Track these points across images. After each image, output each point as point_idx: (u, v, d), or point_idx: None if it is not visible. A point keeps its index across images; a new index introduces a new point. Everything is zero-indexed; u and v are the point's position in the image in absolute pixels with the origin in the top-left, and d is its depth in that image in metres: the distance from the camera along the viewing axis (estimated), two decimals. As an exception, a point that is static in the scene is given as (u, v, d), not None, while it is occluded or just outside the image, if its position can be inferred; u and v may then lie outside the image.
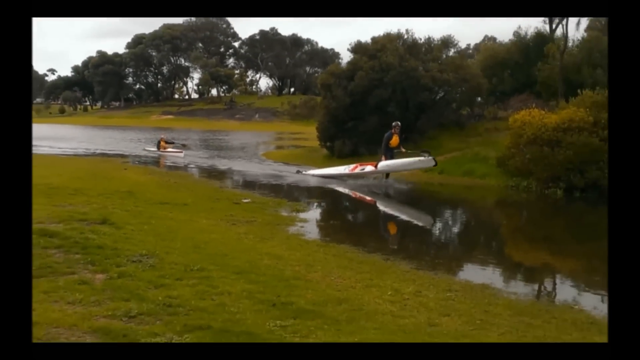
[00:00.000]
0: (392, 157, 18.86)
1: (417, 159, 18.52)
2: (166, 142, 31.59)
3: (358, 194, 17.56)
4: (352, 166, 20.33)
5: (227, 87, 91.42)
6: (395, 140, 18.99)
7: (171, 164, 25.04)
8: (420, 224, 13.53)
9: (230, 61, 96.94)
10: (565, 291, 7.55)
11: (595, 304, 6.59)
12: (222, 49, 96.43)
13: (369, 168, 19.51)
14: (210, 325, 4.41)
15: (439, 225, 13.41)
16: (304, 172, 21.30)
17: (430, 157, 17.85)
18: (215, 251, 7.49)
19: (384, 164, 18.83)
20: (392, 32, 28.31)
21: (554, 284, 8.29)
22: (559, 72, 25.66)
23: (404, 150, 19.22)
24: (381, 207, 16.39)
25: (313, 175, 20.85)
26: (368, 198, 17.29)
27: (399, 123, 19.52)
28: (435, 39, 28.86)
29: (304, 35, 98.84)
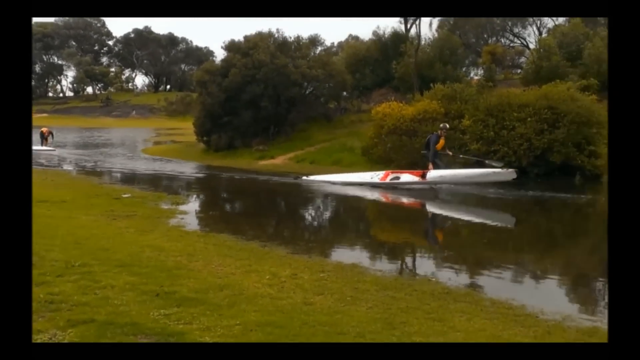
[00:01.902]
0: (440, 162, 15.81)
1: (490, 170, 14.97)
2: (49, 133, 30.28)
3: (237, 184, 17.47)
4: (380, 174, 16.50)
5: (102, 85, 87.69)
6: (441, 143, 15.93)
7: (47, 163, 23.75)
8: (296, 211, 13.70)
9: (105, 59, 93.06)
10: (424, 266, 7.93)
11: (449, 276, 6.94)
12: (96, 47, 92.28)
13: (409, 177, 15.91)
14: (93, 319, 4.28)
15: (312, 212, 13.63)
16: (305, 178, 17.73)
17: (510, 170, 14.65)
18: (97, 246, 7.24)
19: (436, 174, 15.39)
20: (263, 31, 28.40)
21: (414, 260, 8.66)
22: (414, 68, 26.71)
23: (450, 153, 16.42)
24: (263, 196, 16.39)
25: (320, 182, 17.21)
26: (250, 190, 17.26)
27: (447, 125, 16.55)
28: (304, 37, 29.24)
29: (179, 33, 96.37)
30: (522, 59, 35.07)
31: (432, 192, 15.45)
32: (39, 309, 4.47)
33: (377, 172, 16.70)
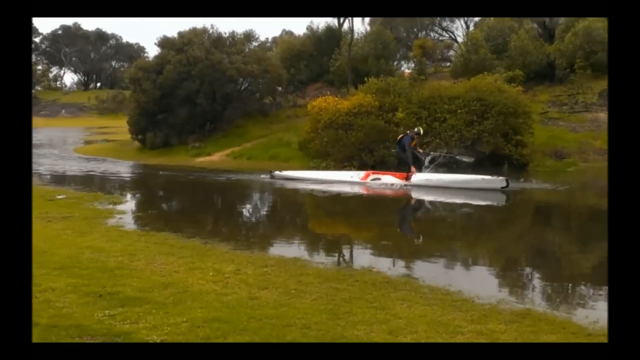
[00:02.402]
0: (417, 160, 15.29)
1: (479, 177, 14.43)
2: None
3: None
4: (361, 174, 16.14)
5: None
6: (412, 144, 15.36)
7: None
8: (236, 208, 13.65)
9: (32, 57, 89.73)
10: (364, 257, 8.05)
11: (389, 266, 7.10)
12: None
13: (391, 180, 15.35)
14: (37, 323, 4.16)
15: (249, 208, 13.60)
16: (275, 173, 17.02)
17: (500, 178, 14.03)
18: (34, 249, 7.02)
19: (421, 177, 14.90)
20: (197, 27, 28.05)
21: (354, 251, 8.76)
22: (348, 63, 26.94)
23: (421, 150, 15.95)
24: (199, 193, 16.21)
25: (291, 179, 16.68)
26: (184, 185, 17.05)
27: (421, 131, 15.95)
28: (239, 33, 29.04)
29: (108, 29, 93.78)
30: (451, 52, 35.86)
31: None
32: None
33: (358, 172, 16.43)
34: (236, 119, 27.56)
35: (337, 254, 8.38)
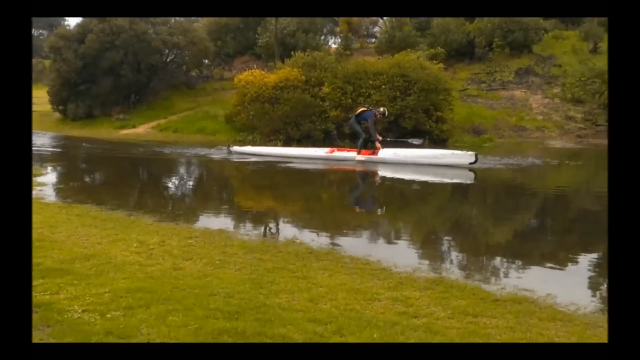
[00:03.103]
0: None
1: (448, 152, 14.25)
2: None
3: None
4: (326, 149, 15.70)
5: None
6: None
7: None
8: (161, 181, 13.46)
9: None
10: (288, 229, 8.16)
11: (312, 238, 7.20)
12: None
13: (352, 155, 14.89)
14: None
15: (175, 181, 13.44)
16: (232, 149, 16.63)
17: (469, 153, 13.63)
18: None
19: (390, 153, 14.42)
20: (120, -4, 27.10)
21: (278, 224, 8.86)
22: (275, 36, 26.77)
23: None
24: (125, 164, 15.86)
25: (249, 154, 16.16)
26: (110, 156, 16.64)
27: (386, 112, 15.46)
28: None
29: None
30: (377, 29, 36.17)
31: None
32: None
33: (323, 148, 15.93)
34: (162, 91, 26.99)
35: (262, 226, 8.45)
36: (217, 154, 16.93)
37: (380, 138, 14.65)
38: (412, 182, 12.98)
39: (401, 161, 14.14)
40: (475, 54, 25.29)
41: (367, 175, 14.10)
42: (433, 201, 11.12)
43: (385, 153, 14.40)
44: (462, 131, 20.01)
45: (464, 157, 13.46)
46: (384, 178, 13.72)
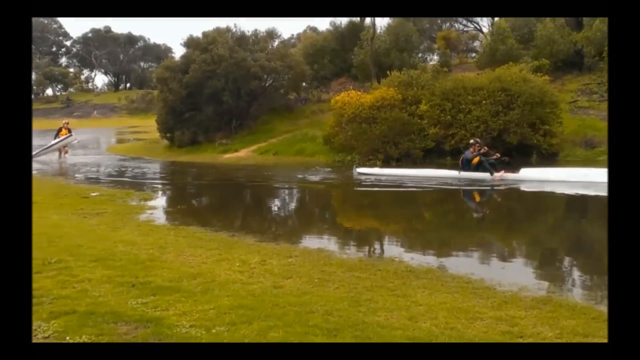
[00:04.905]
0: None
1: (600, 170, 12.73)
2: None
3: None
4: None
5: (62, 85, 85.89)
6: (475, 149, 14.97)
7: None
8: (265, 202, 13.86)
9: (64, 60, 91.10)
10: (388, 249, 8.19)
11: (412, 256, 7.21)
12: (54, 49, 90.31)
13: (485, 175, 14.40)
14: (75, 310, 4.43)
15: (276, 203, 13.78)
16: (358, 170, 16.49)
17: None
18: (70, 243, 7.33)
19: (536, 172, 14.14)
20: (221, 27, 28.39)
21: (380, 243, 8.88)
22: (371, 56, 26.97)
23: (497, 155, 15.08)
24: (227, 188, 16.41)
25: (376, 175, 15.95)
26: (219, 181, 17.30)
27: (475, 140, 15.45)
28: (261, 31, 29.33)
29: (137, 31, 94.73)
30: (476, 43, 35.64)
31: None
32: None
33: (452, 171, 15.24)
34: (262, 116, 27.82)
35: (362, 245, 8.47)
36: (339, 178, 16.73)
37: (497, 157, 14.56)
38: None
39: (545, 179, 13.53)
40: (585, 64, 24.33)
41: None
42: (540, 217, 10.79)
43: (530, 173, 14.02)
44: (574, 145, 19.14)
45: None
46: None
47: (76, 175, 19.40)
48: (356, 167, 16.98)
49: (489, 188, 13.89)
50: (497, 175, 14.24)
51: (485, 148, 15.17)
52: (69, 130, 25.23)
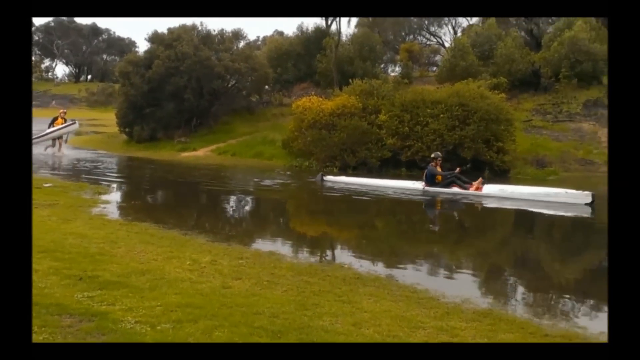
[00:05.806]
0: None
1: (562, 191, 13.12)
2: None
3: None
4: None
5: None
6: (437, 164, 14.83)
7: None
8: (219, 201, 13.81)
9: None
10: (338, 254, 8.26)
11: (361, 263, 7.29)
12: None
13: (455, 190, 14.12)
14: (18, 300, 4.37)
15: (231, 204, 13.74)
16: (325, 178, 16.23)
17: (586, 192, 12.43)
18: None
19: (497, 189, 13.92)
20: (187, 24, 28.20)
21: (332, 249, 8.96)
22: (334, 64, 27.14)
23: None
24: (183, 186, 16.29)
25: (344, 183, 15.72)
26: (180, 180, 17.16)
27: (436, 154, 15.16)
28: (227, 31, 29.22)
29: (102, 24, 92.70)
30: (438, 57, 36.14)
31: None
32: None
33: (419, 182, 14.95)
34: (222, 116, 27.75)
35: (312, 250, 8.53)
36: (298, 183, 16.70)
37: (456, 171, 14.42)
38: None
39: (508, 197, 13.40)
40: (541, 84, 24.85)
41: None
42: (489, 233, 11.02)
43: (491, 189, 13.84)
44: (525, 163, 19.59)
45: (579, 197, 12.42)
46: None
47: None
48: (322, 174, 16.58)
49: (454, 201, 13.91)
50: (472, 187, 13.95)
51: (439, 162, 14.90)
52: (65, 120, 23.27)
